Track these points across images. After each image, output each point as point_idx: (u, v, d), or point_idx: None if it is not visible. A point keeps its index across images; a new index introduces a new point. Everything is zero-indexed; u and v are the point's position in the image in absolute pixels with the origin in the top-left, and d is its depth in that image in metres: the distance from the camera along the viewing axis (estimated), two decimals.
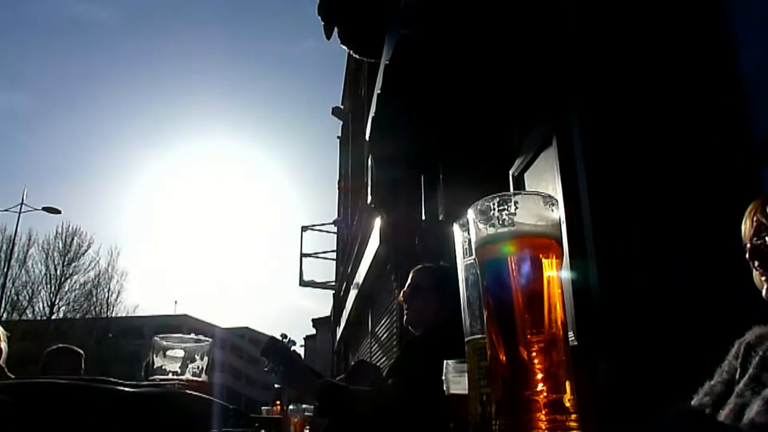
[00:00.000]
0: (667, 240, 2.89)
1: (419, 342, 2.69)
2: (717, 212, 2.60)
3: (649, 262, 2.92)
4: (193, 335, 1.00)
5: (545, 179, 3.71)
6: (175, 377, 0.96)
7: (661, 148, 2.96)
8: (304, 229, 19.42)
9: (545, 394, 0.59)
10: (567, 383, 0.61)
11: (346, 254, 17.19)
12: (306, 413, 3.33)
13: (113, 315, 32.22)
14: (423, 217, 6.83)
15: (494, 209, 0.63)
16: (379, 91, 5.09)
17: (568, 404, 0.61)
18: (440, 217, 6.03)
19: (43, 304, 29.68)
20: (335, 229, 19.69)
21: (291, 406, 3.41)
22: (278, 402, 3.49)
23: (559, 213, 0.64)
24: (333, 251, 20.25)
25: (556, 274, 0.62)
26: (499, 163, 4.39)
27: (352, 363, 5.61)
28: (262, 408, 3.44)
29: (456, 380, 1.01)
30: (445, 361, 1.07)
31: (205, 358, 1.00)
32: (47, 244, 30.48)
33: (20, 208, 27.05)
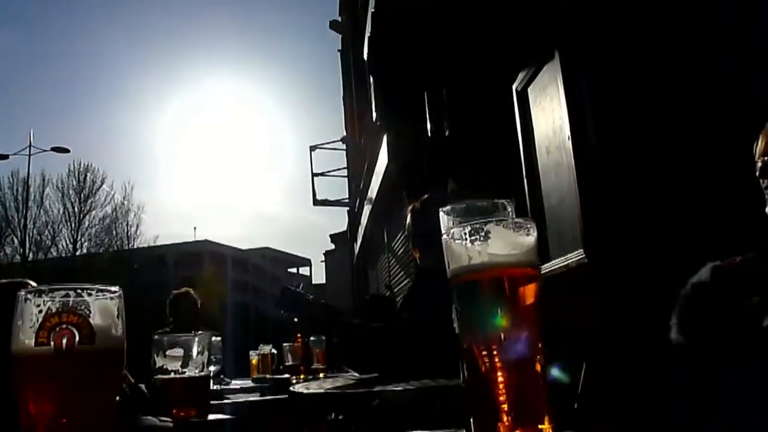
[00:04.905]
0: (672, 148, 2.84)
1: (428, 274, 2.71)
2: (721, 128, 2.54)
3: (653, 170, 2.88)
4: (194, 334, 1.01)
5: (549, 93, 3.62)
6: (177, 375, 0.97)
7: (664, 56, 2.86)
8: (312, 148, 19.30)
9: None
10: (541, 411, 0.61)
11: (357, 171, 17.16)
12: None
13: (135, 247, 32.84)
14: (429, 133, 6.77)
15: (466, 239, 0.61)
16: (373, 11, 4.92)
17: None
18: (446, 133, 5.96)
19: (65, 241, 30.29)
20: (344, 146, 19.56)
21: (312, 338, 3.51)
22: (299, 335, 3.58)
23: (534, 235, 0.62)
24: (344, 168, 20.20)
25: (531, 300, 0.61)
26: (502, 78, 4.28)
27: (367, 297, 5.74)
28: (284, 344, 3.54)
29: None
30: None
31: (205, 353, 1.01)
32: (61, 183, 30.69)
33: (29, 151, 27.16)
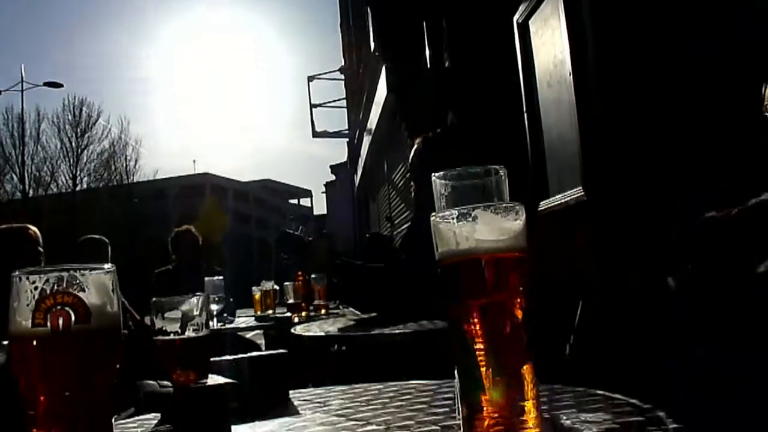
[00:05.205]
0: (675, 86, 2.79)
1: (426, 215, 2.72)
2: (728, 67, 2.49)
3: (655, 108, 2.84)
4: (193, 295, 1.02)
5: (550, 26, 3.53)
6: (176, 337, 0.99)
7: None
8: (310, 79, 19.01)
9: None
10: (525, 391, 0.62)
11: (356, 102, 16.96)
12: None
13: (135, 181, 32.85)
14: (428, 65, 6.65)
15: (454, 224, 0.61)
16: None
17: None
18: (446, 64, 5.87)
19: (65, 177, 30.30)
20: (342, 77, 19.26)
21: (313, 275, 3.57)
22: (300, 273, 3.63)
23: (522, 218, 0.62)
24: (343, 99, 19.96)
25: (518, 283, 0.62)
26: (503, 9, 4.17)
27: (367, 235, 5.78)
28: (286, 283, 3.59)
29: None
30: None
31: (204, 313, 1.02)
32: (57, 118, 30.45)
33: (21, 86, 26.88)
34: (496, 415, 0.60)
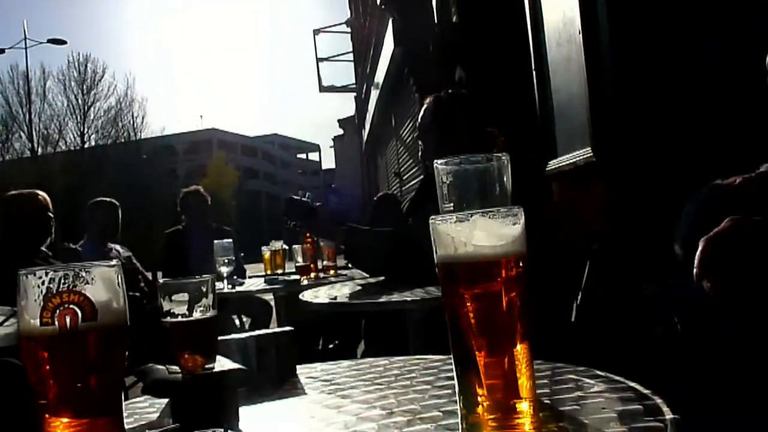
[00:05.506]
0: (687, 47, 2.73)
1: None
2: (741, 31, 2.44)
3: (666, 69, 2.79)
4: (199, 278, 1.03)
5: None
6: (184, 319, 1.00)
7: None
8: (316, 32, 18.73)
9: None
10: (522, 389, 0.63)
11: (363, 55, 16.73)
12: None
13: (142, 138, 32.85)
14: (436, 19, 6.54)
15: (450, 230, 0.61)
16: None
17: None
18: (454, 19, 5.77)
19: (72, 134, 30.36)
20: (349, 30, 18.95)
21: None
22: (308, 236, 3.65)
23: (521, 222, 0.62)
24: (350, 52, 19.70)
25: (516, 289, 0.62)
26: None
27: (375, 198, 5.78)
28: (294, 246, 3.62)
29: None
30: None
31: (210, 295, 1.03)
32: (62, 75, 30.40)
33: (25, 44, 26.72)
34: (491, 416, 0.61)
